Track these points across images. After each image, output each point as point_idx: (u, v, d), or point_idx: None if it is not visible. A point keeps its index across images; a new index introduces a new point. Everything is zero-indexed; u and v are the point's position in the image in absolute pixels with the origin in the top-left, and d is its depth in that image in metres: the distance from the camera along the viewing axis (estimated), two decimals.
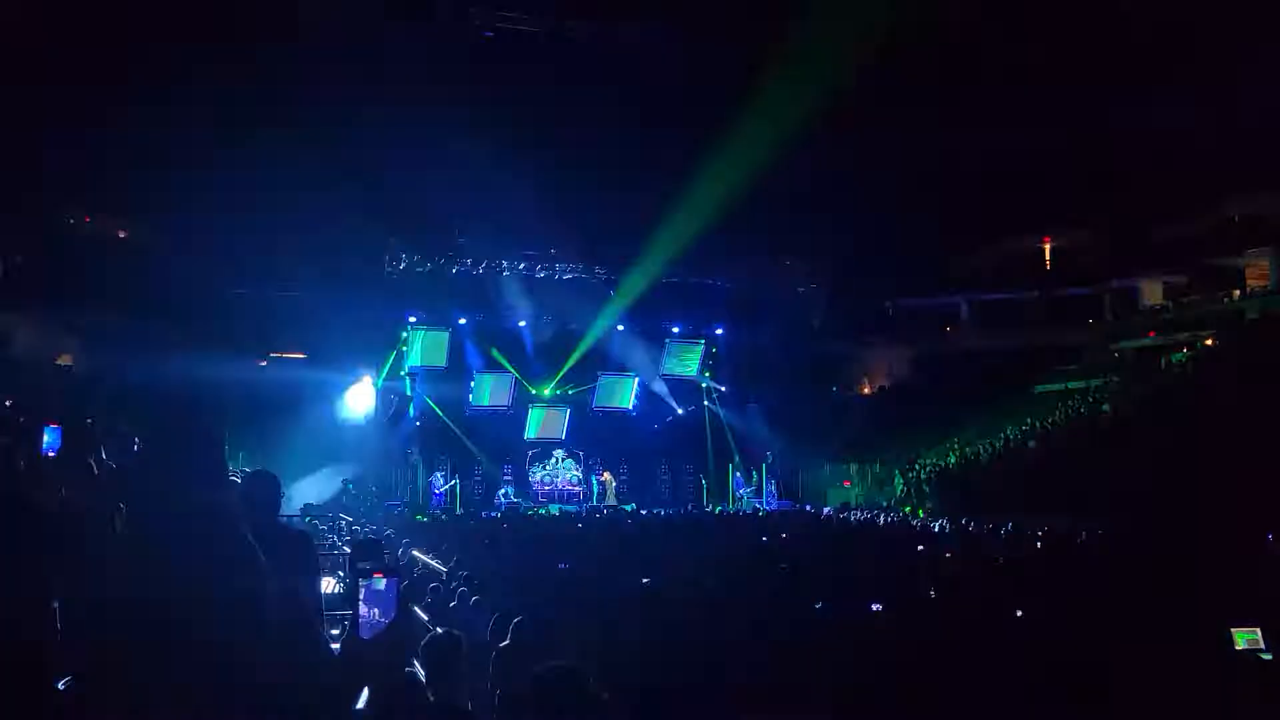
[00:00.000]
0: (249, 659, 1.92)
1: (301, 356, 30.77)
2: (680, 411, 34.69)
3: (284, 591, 2.29)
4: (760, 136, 27.90)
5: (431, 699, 3.28)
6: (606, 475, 33.00)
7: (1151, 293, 38.33)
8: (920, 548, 13.62)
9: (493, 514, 28.58)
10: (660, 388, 34.13)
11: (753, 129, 28.16)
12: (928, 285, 40.21)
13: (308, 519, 17.85)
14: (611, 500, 31.84)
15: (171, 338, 29.52)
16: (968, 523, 19.95)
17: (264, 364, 31.27)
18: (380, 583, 2.48)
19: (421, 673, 3.55)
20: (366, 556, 2.80)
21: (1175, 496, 18.15)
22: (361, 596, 2.44)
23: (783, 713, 5.25)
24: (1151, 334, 35.57)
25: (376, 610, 2.44)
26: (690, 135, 29.98)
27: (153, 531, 2.03)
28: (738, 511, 29.31)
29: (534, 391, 33.20)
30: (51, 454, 8.24)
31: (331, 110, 27.39)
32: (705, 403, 34.34)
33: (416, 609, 6.79)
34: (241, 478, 3.65)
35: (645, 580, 10.26)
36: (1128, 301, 39.19)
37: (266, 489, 3.41)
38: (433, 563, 8.63)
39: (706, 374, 34.34)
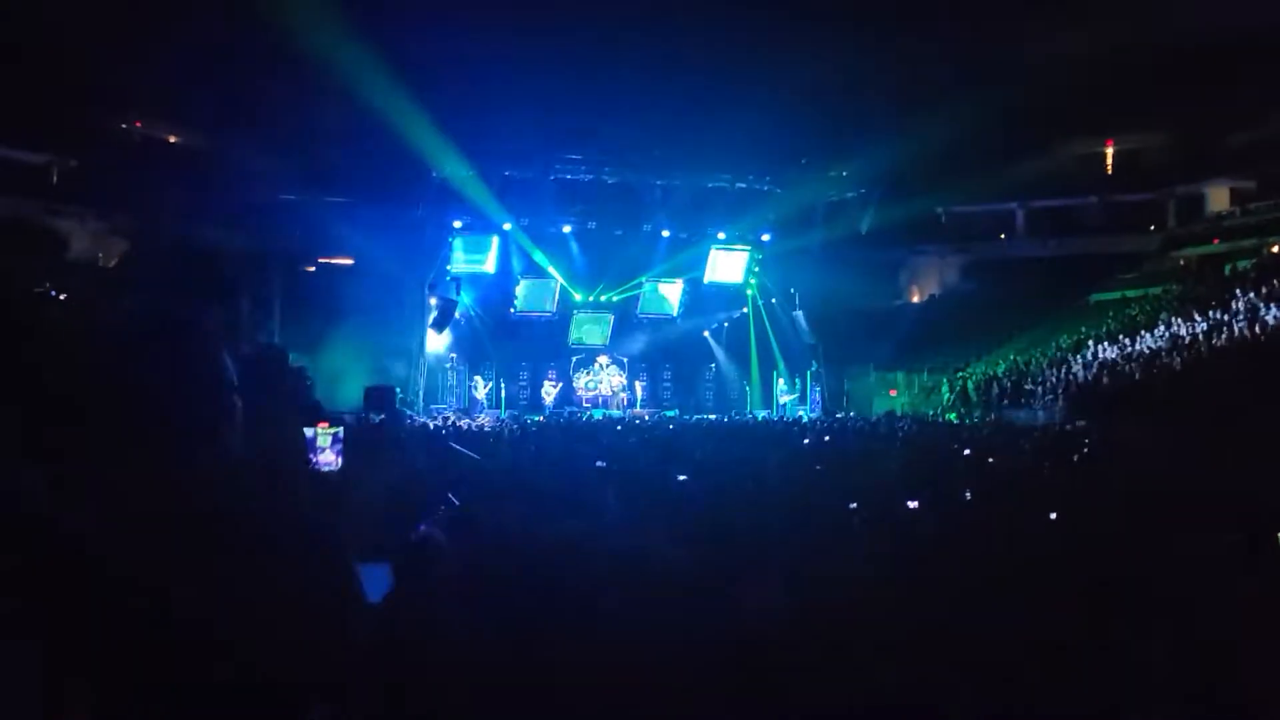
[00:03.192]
0: (213, 473, 1.89)
1: (349, 262, 30.93)
2: (725, 319, 34.50)
3: (266, 417, 2.26)
4: (812, 36, 27.02)
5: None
6: (618, 379, 33.35)
7: (1218, 198, 36.94)
8: (955, 446, 13.47)
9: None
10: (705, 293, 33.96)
11: (805, 27, 27.26)
12: (982, 190, 39.04)
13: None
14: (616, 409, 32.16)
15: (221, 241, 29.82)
16: (1012, 427, 19.73)
17: (312, 269, 31.52)
18: (326, 434, 2.46)
19: (441, 536, 3.54)
20: (378, 404, 2.79)
21: (1230, 405, 17.75)
22: (311, 444, 2.42)
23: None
24: (1215, 241, 34.37)
25: (327, 455, 2.43)
26: (740, 35, 29.11)
27: (118, 344, 1.99)
28: (781, 418, 29.28)
29: (579, 297, 33.12)
30: None
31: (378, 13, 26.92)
32: (749, 310, 34.04)
33: (451, 496, 6.92)
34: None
35: (682, 478, 10.29)
36: (1193, 208, 37.83)
37: (272, 355, 3.35)
38: (467, 453, 8.83)
39: (752, 280, 33.93)
